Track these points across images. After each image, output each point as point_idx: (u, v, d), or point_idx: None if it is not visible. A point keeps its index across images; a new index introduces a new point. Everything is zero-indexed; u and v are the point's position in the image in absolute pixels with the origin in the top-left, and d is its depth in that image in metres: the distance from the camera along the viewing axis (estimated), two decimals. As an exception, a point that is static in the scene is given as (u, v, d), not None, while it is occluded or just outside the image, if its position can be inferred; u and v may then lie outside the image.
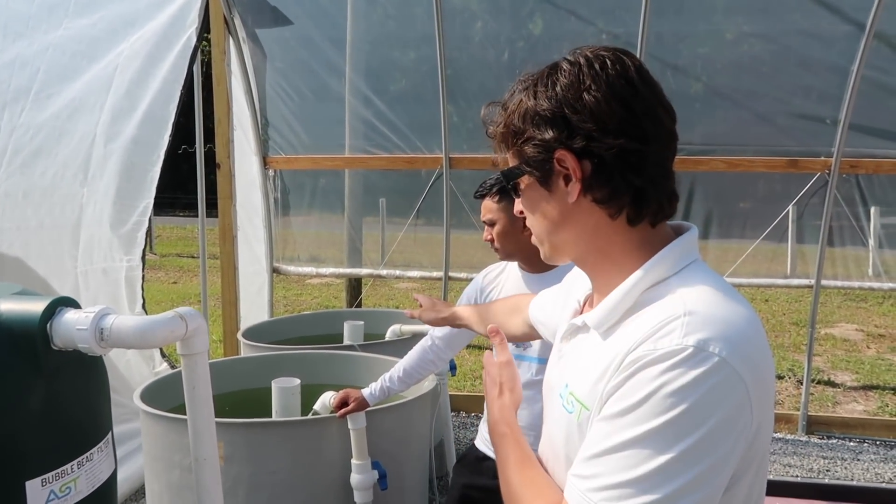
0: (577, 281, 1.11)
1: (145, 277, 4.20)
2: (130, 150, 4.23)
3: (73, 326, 1.20)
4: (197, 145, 4.50)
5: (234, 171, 4.64)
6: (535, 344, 1.88)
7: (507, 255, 2.02)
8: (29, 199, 4.25)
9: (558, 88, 0.87)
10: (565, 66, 0.88)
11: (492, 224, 1.98)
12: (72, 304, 1.26)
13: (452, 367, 3.42)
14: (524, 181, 0.93)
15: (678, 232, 0.92)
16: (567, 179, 0.88)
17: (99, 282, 4.27)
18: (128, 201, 4.23)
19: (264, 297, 4.94)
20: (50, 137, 4.25)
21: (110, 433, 1.38)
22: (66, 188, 4.29)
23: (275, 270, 4.96)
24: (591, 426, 0.83)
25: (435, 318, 1.70)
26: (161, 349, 4.02)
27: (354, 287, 6.49)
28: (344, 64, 4.73)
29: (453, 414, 4.26)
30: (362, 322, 3.73)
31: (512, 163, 0.94)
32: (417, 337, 3.53)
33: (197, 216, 4.78)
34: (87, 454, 1.28)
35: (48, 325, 1.20)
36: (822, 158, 4.24)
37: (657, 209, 0.89)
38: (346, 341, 3.65)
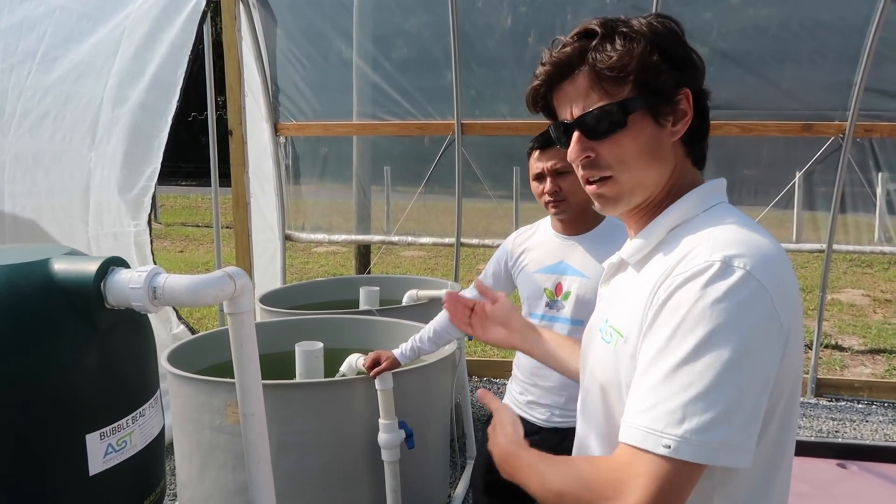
0: None
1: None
2: (138, 115, 4.21)
3: (126, 285, 1.21)
4: (209, 112, 4.47)
5: (246, 139, 4.61)
6: (568, 305, 1.89)
7: (572, 209, 1.89)
8: (39, 163, 4.23)
9: (672, 33, 0.93)
10: (656, 20, 0.94)
11: (563, 173, 1.84)
12: (122, 263, 1.27)
13: (469, 331, 3.45)
14: (637, 115, 0.93)
15: None
16: (677, 118, 0.94)
17: (111, 246, 4.28)
18: (135, 166, 4.22)
19: (277, 264, 4.96)
20: (57, 101, 4.23)
21: (159, 390, 1.41)
22: (75, 152, 4.28)
23: (287, 237, 4.97)
24: (635, 358, 0.87)
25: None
26: (177, 312, 4.06)
27: (363, 255, 6.51)
28: (351, 30, 4.68)
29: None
30: (378, 288, 3.76)
31: (616, 96, 0.93)
32: (434, 302, 3.56)
33: (199, 185, 4.79)
34: (140, 409, 1.30)
35: (101, 284, 1.22)
36: (837, 122, 4.23)
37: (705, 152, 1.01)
38: (363, 306, 3.68)
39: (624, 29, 0.92)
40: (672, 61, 0.92)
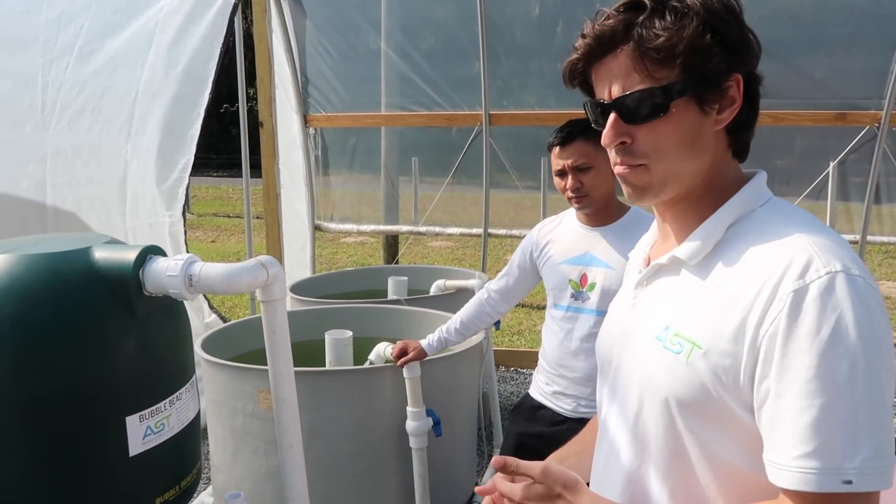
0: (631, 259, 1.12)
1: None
2: (171, 107, 4.29)
3: (163, 273, 1.26)
4: (239, 104, 4.54)
5: (277, 130, 4.67)
6: (593, 296, 1.90)
7: (595, 204, 1.90)
8: (78, 155, 4.34)
9: (728, 11, 0.86)
10: None
11: (584, 169, 1.86)
12: (160, 252, 1.32)
13: (496, 322, 3.48)
14: (681, 101, 0.86)
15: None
16: (724, 106, 0.88)
17: (146, 236, 4.38)
18: (169, 158, 4.31)
19: (306, 253, 5.03)
20: (94, 94, 4.33)
21: (195, 375, 1.46)
22: (112, 144, 4.38)
23: (316, 228, 5.03)
24: (729, 373, 0.82)
25: None
26: (209, 301, 4.15)
27: (391, 245, 6.57)
28: (380, 20, 4.71)
29: (494, 368, 4.33)
30: (406, 277, 3.79)
31: (660, 79, 0.86)
32: (461, 292, 3.59)
33: (231, 176, 4.86)
34: (177, 393, 1.35)
35: (140, 271, 1.26)
36: (872, 112, 4.14)
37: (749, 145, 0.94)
38: (391, 296, 3.72)
39: (676, 3, 0.84)
40: (725, 43, 0.84)
